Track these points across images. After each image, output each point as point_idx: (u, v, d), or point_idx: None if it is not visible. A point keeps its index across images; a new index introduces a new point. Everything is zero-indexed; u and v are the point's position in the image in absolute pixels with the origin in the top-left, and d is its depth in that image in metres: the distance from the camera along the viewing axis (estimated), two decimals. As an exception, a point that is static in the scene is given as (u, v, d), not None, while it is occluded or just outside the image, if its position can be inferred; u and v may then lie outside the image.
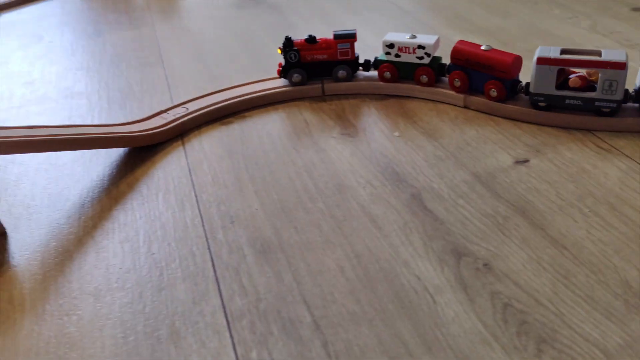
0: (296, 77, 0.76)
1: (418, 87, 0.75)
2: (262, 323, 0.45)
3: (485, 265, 0.49)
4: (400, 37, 0.74)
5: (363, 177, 0.62)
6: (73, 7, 1.28)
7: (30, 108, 0.83)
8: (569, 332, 0.42)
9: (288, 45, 0.75)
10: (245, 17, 1.11)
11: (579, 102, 0.65)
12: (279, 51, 0.76)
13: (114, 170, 0.67)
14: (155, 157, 0.68)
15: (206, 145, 0.70)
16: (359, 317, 0.45)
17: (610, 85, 0.63)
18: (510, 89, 0.69)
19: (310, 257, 0.52)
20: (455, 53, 0.71)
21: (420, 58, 0.73)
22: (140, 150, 0.70)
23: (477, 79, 0.71)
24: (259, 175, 0.63)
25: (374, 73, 0.79)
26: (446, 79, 0.75)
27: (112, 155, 0.69)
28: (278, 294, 0.48)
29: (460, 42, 0.72)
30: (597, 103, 0.64)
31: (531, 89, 0.67)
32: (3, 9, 1.30)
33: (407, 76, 0.76)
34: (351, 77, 0.77)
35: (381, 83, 0.77)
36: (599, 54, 0.64)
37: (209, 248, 0.54)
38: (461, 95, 0.73)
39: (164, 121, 0.72)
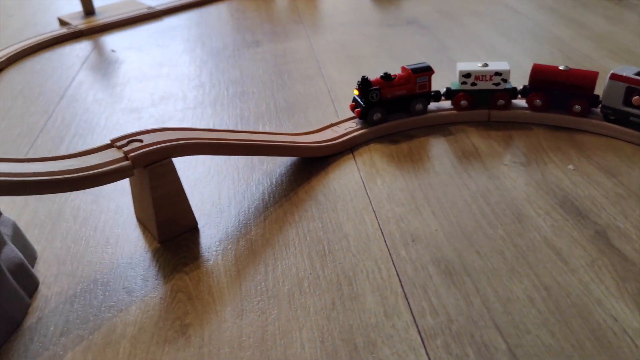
0: (377, 115, 0.75)
1: (592, 121, 0.74)
2: (457, 345, 0.46)
3: (690, 314, 0.47)
4: (473, 66, 0.76)
5: (542, 208, 0.61)
6: (228, 15, 1.35)
7: (204, 110, 0.88)
8: None
9: (367, 85, 0.74)
10: (397, 36, 1.13)
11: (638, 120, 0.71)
12: (356, 92, 0.75)
13: (291, 178, 0.70)
14: (328, 168, 0.71)
15: (377, 162, 0.72)
16: (556, 351, 0.45)
17: None
18: (592, 104, 0.74)
19: (496, 284, 0.52)
20: (536, 74, 0.75)
21: (497, 84, 0.76)
22: (312, 160, 0.73)
23: (558, 97, 0.75)
24: (433, 195, 0.64)
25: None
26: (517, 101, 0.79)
27: (285, 163, 0.73)
28: (469, 317, 0.49)
29: (538, 65, 0.75)
30: None
31: (602, 102, 0.73)
32: (166, 13, 1.39)
33: (483, 102, 0.78)
34: (426, 109, 0.78)
35: (552, 115, 0.77)
36: None
37: (393, 263, 0.55)
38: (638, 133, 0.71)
39: (336, 134, 0.75)
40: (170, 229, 0.60)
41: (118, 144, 0.58)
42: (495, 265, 0.54)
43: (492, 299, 0.50)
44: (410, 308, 0.50)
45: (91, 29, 1.28)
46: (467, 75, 0.76)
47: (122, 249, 0.60)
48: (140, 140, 0.58)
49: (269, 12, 1.34)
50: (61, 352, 0.48)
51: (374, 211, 0.63)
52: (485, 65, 0.76)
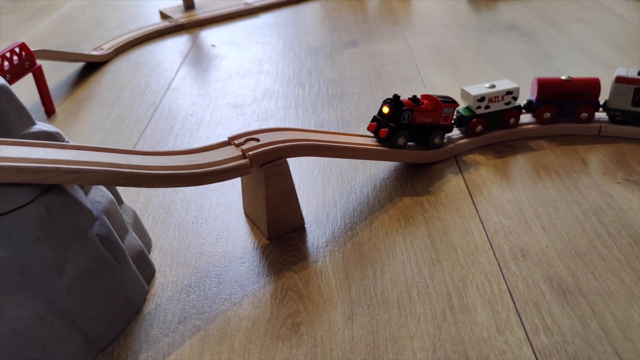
0: (402, 140, 0.68)
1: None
2: (574, 367, 0.45)
3: None
4: (482, 89, 0.73)
5: (660, 231, 0.59)
6: (324, 14, 1.36)
7: (305, 109, 0.90)
8: None
9: (401, 104, 0.67)
10: (497, 42, 1.11)
11: None
12: (386, 110, 0.68)
13: (395, 183, 0.70)
14: (433, 175, 0.71)
15: (482, 172, 0.71)
16: (682, 383, 0.43)
17: None
18: (597, 109, 0.75)
19: (615, 308, 0.50)
20: (545, 89, 0.74)
21: (508, 103, 0.74)
22: (416, 167, 0.72)
23: (565, 107, 0.75)
24: (542, 210, 0.63)
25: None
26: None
27: (388, 167, 0.73)
28: (586, 340, 0.48)
29: (541, 79, 0.75)
30: None
31: (609, 105, 0.74)
32: (263, 10, 1.42)
33: (496, 124, 0.75)
34: (443, 144, 0.73)
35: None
36: None
37: (503, 278, 0.55)
38: None
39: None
40: (280, 227, 0.62)
41: (236, 141, 0.60)
42: (612, 288, 0.53)
43: (610, 324, 0.49)
44: (523, 325, 0.49)
45: (191, 22, 1.32)
46: (481, 99, 0.72)
47: (233, 243, 0.62)
48: (257, 140, 0.60)
49: (364, 12, 1.35)
50: (179, 340, 0.50)
51: (482, 222, 0.62)
52: (493, 86, 0.73)
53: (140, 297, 0.54)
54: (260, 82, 1.00)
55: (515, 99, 0.74)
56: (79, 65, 1.12)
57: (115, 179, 0.49)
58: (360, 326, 0.50)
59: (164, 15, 1.40)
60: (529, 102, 0.77)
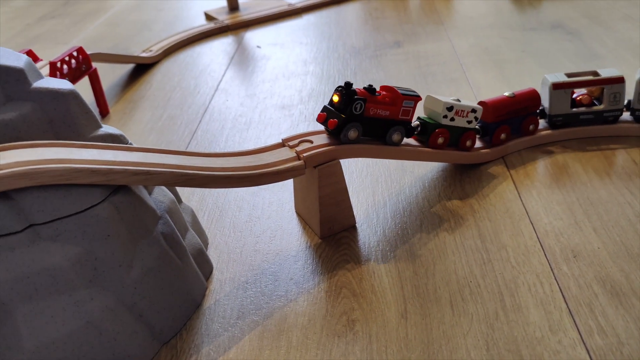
0: (353, 133, 0.61)
1: None
2: (629, 368, 0.46)
3: None
4: (449, 99, 0.68)
5: None
6: (367, 14, 1.37)
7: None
8: None
9: (352, 93, 0.60)
10: (542, 41, 1.11)
11: (591, 116, 0.76)
12: (336, 98, 0.61)
13: (444, 184, 0.71)
14: (481, 176, 0.71)
15: (531, 172, 0.71)
16: None
17: (615, 97, 0.75)
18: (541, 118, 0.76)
19: (669, 310, 0.51)
20: (496, 110, 0.72)
21: (469, 122, 0.70)
22: (463, 167, 0.73)
23: (515, 124, 0.74)
24: (593, 211, 0.63)
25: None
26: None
27: (436, 168, 0.74)
28: (641, 341, 0.48)
29: (487, 101, 0.72)
30: (605, 114, 0.76)
31: (550, 112, 0.76)
32: (305, 10, 1.43)
33: (454, 142, 0.70)
34: (401, 142, 0.65)
35: None
36: (596, 73, 0.75)
37: (555, 278, 0.55)
38: None
39: (486, 142, 0.75)
40: (332, 226, 0.63)
41: (290, 143, 0.61)
42: (666, 290, 0.53)
43: (665, 325, 0.49)
44: (576, 325, 0.50)
45: (236, 24, 1.35)
46: (450, 108, 0.68)
47: (286, 241, 0.63)
48: (310, 141, 0.61)
49: (407, 12, 1.35)
50: (239, 335, 0.52)
51: (532, 223, 0.63)
52: (458, 100, 0.69)
53: (200, 292, 0.57)
54: (306, 83, 1.02)
55: (476, 119, 0.70)
56: (129, 66, 1.15)
57: (179, 180, 0.52)
58: (414, 324, 0.52)
59: (209, 17, 1.43)
60: (483, 126, 0.74)
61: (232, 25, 1.34)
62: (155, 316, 0.51)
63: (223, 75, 1.08)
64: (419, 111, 0.70)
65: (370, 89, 0.62)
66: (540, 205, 0.65)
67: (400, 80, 0.99)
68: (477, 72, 1.00)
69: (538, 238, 0.60)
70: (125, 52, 1.21)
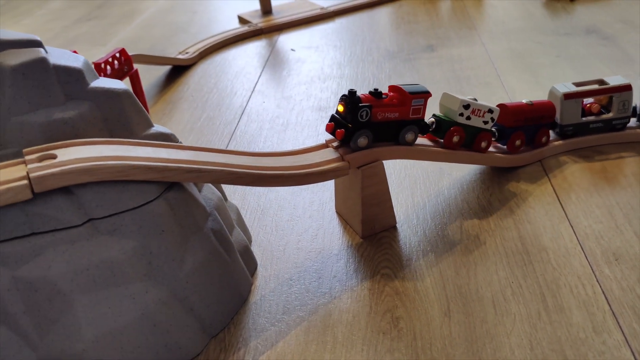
0: (363, 140, 0.60)
1: None
2: (674, 370, 0.46)
3: None
4: (466, 97, 0.66)
5: None
6: (399, 18, 1.38)
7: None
8: None
9: (357, 100, 0.59)
10: (577, 46, 1.11)
11: (600, 125, 0.76)
12: (340, 107, 0.60)
13: (482, 186, 0.72)
14: (520, 179, 0.72)
15: (569, 176, 0.72)
16: None
17: (624, 105, 0.75)
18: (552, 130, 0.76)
19: None
20: (516, 115, 0.71)
21: (485, 123, 0.68)
22: (501, 171, 0.74)
23: (529, 132, 0.73)
24: (634, 216, 0.64)
25: None
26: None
27: (474, 170, 0.75)
28: (685, 344, 0.48)
29: (508, 104, 0.71)
30: (614, 122, 0.76)
31: (562, 122, 0.75)
32: (338, 14, 1.45)
33: (469, 142, 0.68)
34: (415, 140, 0.64)
35: None
36: (602, 82, 0.76)
37: (597, 280, 0.56)
38: None
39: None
40: (373, 226, 0.64)
41: (333, 144, 0.63)
42: None
43: None
44: (620, 327, 0.51)
45: (270, 27, 1.37)
46: (467, 106, 0.66)
47: (328, 240, 0.65)
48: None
49: (439, 16, 1.36)
50: (285, 329, 0.54)
51: (572, 226, 0.63)
52: (475, 100, 0.67)
53: (246, 288, 0.58)
54: (342, 86, 1.03)
55: (492, 120, 0.68)
56: (165, 68, 1.18)
57: (229, 177, 0.53)
58: (457, 322, 0.53)
59: (242, 20, 1.46)
60: (499, 129, 0.72)
61: (266, 29, 1.36)
62: (205, 310, 0.53)
63: (259, 78, 1.10)
64: (435, 109, 0.70)
65: (376, 93, 0.61)
66: (580, 208, 0.66)
67: (435, 83, 1.00)
68: (511, 76, 1.00)
69: (578, 241, 0.61)
70: (162, 53, 1.23)
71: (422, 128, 0.64)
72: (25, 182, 0.44)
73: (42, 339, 0.47)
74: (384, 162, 0.63)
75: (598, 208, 0.66)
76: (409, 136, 0.63)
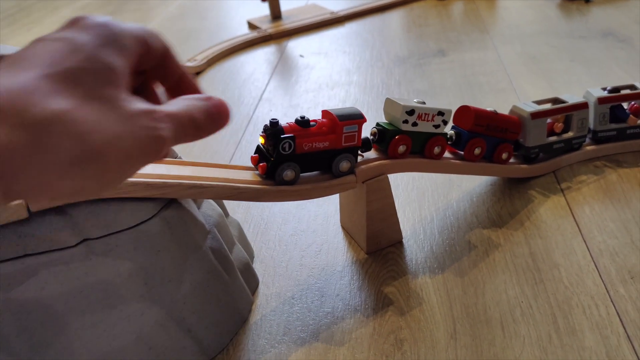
0: (288, 174, 0.55)
1: None
2: (693, 399, 0.44)
3: None
4: (410, 102, 0.60)
5: None
6: (410, 22, 1.36)
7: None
8: None
9: (278, 132, 0.53)
10: (592, 50, 1.08)
11: (562, 145, 0.73)
12: (262, 140, 0.55)
13: (492, 198, 0.69)
14: (531, 190, 0.70)
15: (583, 187, 0.69)
16: None
17: (582, 123, 0.72)
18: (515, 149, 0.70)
19: None
20: (477, 119, 0.64)
21: (437, 126, 0.62)
22: (512, 182, 0.72)
23: (490, 144, 0.67)
24: (650, 230, 0.61)
25: None
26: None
27: (485, 182, 0.72)
28: None
29: (469, 106, 0.64)
30: (573, 141, 0.73)
31: (528, 144, 0.70)
32: (348, 19, 1.43)
33: (419, 149, 0.62)
34: (354, 169, 0.58)
35: None
36: (557, 100, 0.73)
37: (611, 301, 0.53)
38: None
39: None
40: (378, 241, 0.63)
41: (338, 157, 0.61)
42: None
43: None
44: (635, 352, 0.48)
45: (279, 33, 1.35)
46: (411, 112, 0.60)
47: (332, 256, 0.63)
48: (361, 156, 0.61)
49: (451, 20, 1.34)
50: (285, 352, 0.52)
51: (585, 241, 0.61)
52: (423, 102, 0.61)
53: (246, 307, 0.57)
54: (350, 93, 1.01)
55: (445, 123, 0.62)
56: (174, 76, 1.17)
57: (231, 193, 0.52)
58: (463, 345, 0.51)
59: (252, 26, 1.44)
60: (457, 133, 0.66)
61: (275, 34, 1.35)
62: (204, 331, 0.52)
63: (267, 85, 1.09)
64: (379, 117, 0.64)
65: (302, 122, 0.55)
66: (594, 222, 0.63)
67: (446, 90, 0.98)
68: (525, 82, 0.98)
69: (592, 257, 0.59)
70: (170, 61, 1.22)
71: (364, 144, 0.59)
72: (20, 200, 0.43)
73: (34, 364, 0.46)
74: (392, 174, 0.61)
75: (613, 222, 0.63)
76: (344, 165, 0.57)
